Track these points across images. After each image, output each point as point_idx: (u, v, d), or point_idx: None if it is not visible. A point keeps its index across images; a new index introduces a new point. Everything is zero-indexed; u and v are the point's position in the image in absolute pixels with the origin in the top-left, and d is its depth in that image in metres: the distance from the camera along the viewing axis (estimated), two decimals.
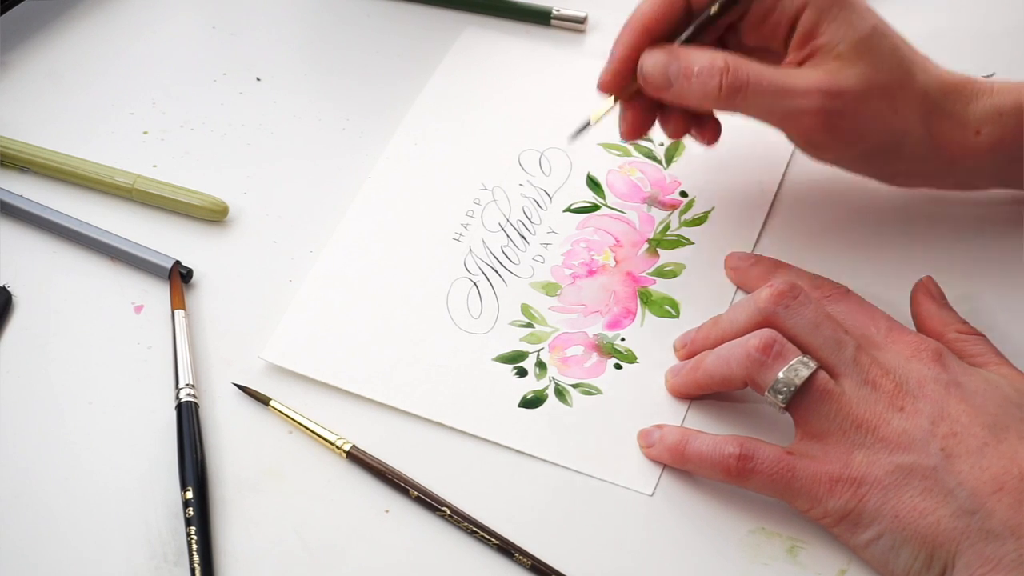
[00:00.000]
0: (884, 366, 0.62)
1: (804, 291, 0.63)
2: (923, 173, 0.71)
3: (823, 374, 0.61)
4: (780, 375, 0.61)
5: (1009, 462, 0.58)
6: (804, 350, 0.62)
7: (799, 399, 0.61)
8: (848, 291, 0.67)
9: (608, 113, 0.71)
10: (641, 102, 0.70)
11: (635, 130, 0.71)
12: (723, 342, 0.64)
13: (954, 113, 0.68)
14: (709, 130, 0.72)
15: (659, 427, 0.65)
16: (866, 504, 0.59)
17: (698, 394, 0.66)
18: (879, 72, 0.67)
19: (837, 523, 0.60)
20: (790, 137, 0.70)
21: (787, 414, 0.61)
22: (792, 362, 0.61)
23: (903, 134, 0.68)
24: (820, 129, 0.67)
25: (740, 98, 0.67)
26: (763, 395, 0.61)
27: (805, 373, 0.61)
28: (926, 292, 0.67)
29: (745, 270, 0.71)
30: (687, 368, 0.66)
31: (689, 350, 0.67)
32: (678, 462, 0.63)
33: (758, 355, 0.61)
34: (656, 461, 0.64)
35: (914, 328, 0.67)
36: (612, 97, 0.70)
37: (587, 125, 0.71)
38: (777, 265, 0.70)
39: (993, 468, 0.58)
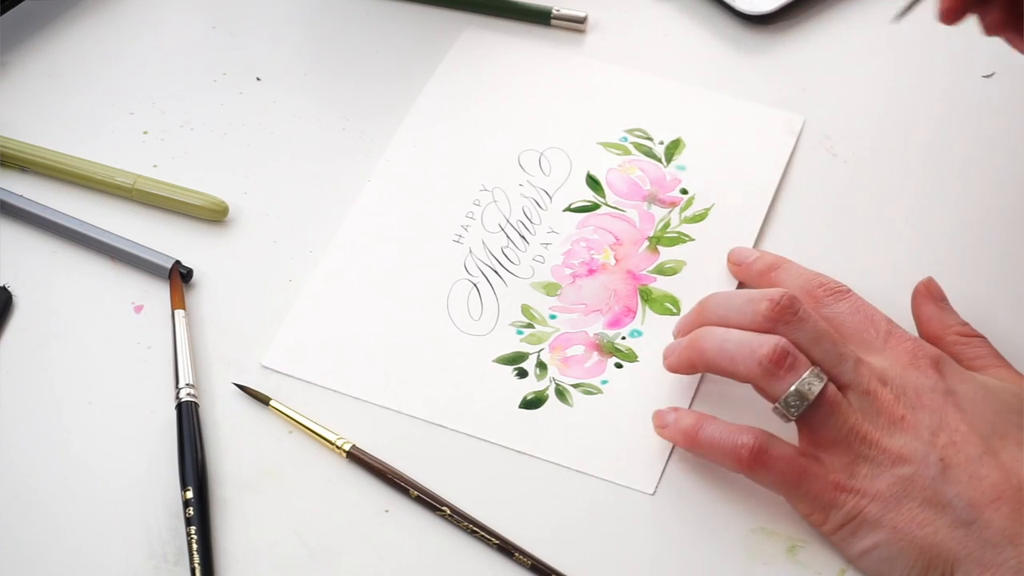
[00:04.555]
0: (883, 377, 0.61)
1: (803, 306, 0.62)
2: None
3: (832, 387, 0.60)
4: (793, 388, 0.60)
5: (1007, 472, 0.58)
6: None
7: (810, 411, 0.60)
8: (849, 290, 0.67)
9: None
10: None
11: (952, 12, 0.65)
12: (725, 323, 0.63)
13: None
14: None
15: (675, 409, 0.64)
16: (866, 515, 0.59)
17: (692, 372, 0.65)
18: None
19: (836, 531, 0.60)
20: None
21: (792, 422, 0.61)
22: (805, 375, 0.60)
23: None
24: None
25: None
26: (771, 403, 0.61)
27: (818, 387, 0.60)
28: (927, 294, 0.67)
29: (747, 266, 0.70)
30: (681, 347, 0.65)
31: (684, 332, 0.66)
32: (690, 445, 0.63)
33: (770, 366, 0.60)
34: (668, 440, 0.64)
35: (915, 329, 0.67)
36: None
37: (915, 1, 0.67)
38: (780, 262, 0.69)
39: (991, 478, 0.58)
